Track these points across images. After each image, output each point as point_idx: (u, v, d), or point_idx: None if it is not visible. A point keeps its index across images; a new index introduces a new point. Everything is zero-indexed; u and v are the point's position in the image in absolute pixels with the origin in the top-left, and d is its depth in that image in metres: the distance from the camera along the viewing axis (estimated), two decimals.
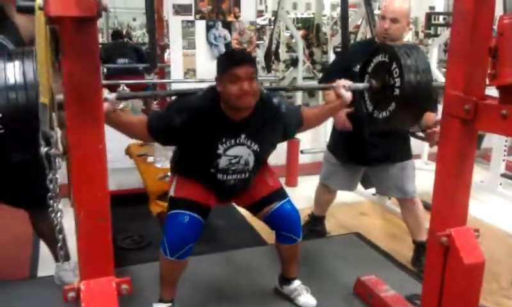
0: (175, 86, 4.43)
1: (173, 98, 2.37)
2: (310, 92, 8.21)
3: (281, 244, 2.38)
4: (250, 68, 1.95)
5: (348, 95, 2.15)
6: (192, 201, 2.18)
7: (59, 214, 1.43)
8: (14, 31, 2.19)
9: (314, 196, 3.20)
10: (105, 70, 5.36)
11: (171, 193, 2.26)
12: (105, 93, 1.72)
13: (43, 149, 1.32)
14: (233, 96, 1.95)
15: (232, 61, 1.98)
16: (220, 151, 2.08)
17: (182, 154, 2.23)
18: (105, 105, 1.66)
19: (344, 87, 2.16)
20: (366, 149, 2.76)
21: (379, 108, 2.14)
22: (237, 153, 2.11)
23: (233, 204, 2.56)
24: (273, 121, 2.16)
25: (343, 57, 3.06)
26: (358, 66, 2.53)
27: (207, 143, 2.07)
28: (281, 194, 2.35)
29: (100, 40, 7.58)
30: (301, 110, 2.29)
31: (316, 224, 3.24)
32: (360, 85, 2.20)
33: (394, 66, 1.99)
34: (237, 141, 2.09)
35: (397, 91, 1.99)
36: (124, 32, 10.89)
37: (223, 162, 2.11)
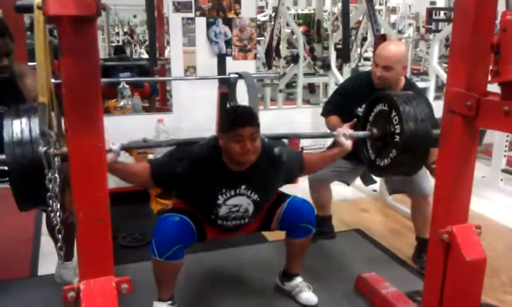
0: (175, 83, 4.41)
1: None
2: (311, 89, 8.22)
3: (296, 239, 2.33)
4: (253, 128, 1.98)
5: (348, 143, 2.18)
6: (188, 211, 2.16)
7: (58, 214, 1.43)
8: (18, 96, 2.16)
9: (311, 199, 2.99)
10: None
11: (168, 208, 2.29)
12: (110, 143, 1.71)
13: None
14: (235, 153, 1.99)
15: (235, 121, 2.00)
16: (220, 201, 2.11)
17: (184, 200, 2.24)
18: (110, 155, 1.68)
19: (345, 135, 2.18)
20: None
21: (381, 155, 2.20)
22: (236, 202, 2.14)
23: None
24: (274, 171, 2.18)
25: (342, 93, 2.97)
26: (360, 109, 2.51)
27: (207, 193, 2.10)
28: (285, 194, 2.35)
29: (102, 56, 7.38)
30: (303, 156, 2.31)
31: (323, 225, 3.07)
32: (361, 133, 2.24)
33: (394, 114, 2.09)
34: (237, 192, 2.11)
35: (397, 138, 2.07)
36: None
37: (222, 210, 2.14)
